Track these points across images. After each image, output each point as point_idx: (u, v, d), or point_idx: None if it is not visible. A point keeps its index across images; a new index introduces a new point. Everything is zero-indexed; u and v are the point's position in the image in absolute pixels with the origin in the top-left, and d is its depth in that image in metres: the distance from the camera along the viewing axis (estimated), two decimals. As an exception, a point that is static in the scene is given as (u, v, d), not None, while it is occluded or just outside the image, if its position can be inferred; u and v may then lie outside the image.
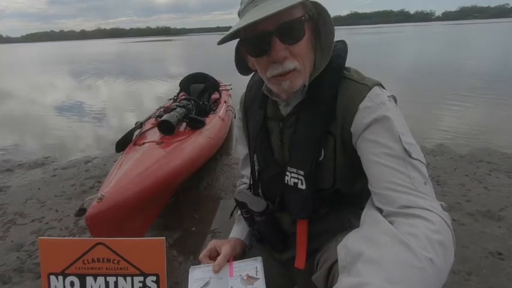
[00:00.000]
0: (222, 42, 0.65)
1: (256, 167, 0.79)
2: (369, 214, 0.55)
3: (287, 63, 0.62)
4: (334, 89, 0.65)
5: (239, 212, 0.84)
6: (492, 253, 1.40)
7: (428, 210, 0.49)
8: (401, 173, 0.54)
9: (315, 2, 0.63)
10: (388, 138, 0.57)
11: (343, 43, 0.71)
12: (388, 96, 0.63)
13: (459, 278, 1.26)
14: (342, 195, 0.71)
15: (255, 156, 0.79)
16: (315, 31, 0.66)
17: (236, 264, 0.73)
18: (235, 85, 3.78)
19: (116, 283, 0.81)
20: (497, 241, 1.48)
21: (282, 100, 0.72)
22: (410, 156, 0.55)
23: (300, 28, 0.61)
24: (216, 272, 0.70)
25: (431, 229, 0.46)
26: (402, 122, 0.60)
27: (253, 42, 0.63)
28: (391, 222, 0.50)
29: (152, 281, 0.80)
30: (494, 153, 2.55)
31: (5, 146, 3.42)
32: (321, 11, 0.64)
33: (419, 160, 0.55)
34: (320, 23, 0.66)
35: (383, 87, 0.66)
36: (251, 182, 0.84)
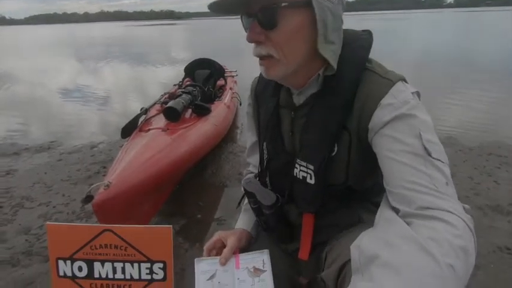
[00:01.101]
0: (213, 9, 0.62)
1: (265, 156, 0.77)
2: (384, 214, 0.53)
3: (259, 48, 0.60)
4: (354, 81, 0.61)
5: (246, 201, 0.83)
6: (500, 248, 1.39)
7: (450, 212, 0.46)
8: (421, 171, 0.50)
9: None
10: (407, 135, 0.54)
11: (368, 33, 0.66)
12: (412, 93, 0.59)
13: (466, 272, 1.25)
14: (353, 190, 0.68)
15: (264, 144, 0.77)
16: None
17: (243, 256, 0.72)
18: (241, 71, 3.72)
19: (123, 269, 0.82)
20: (506, 236, 1.46)
21: (295, 88, 0.69)
22: (429, 155, 0.51)
23: (272, 15, 0.56)
24: (223, 264, 0.70)
25: (453, 233, 0.43)
26: (425, 119, 0.56)
27: (242, 20, 0.62)
28: (408, 224, 0.47)
29: (159, 267, 0.81)
30: (504, 146, 2.50)
31: (11, 130, 3.43)
32: None
33: (440, 160, 0.52)
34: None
35: (406, 82, 0.62)
36: (259, 170, 0.82)
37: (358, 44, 0.63)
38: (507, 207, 1.69)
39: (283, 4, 0.56)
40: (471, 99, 3.94)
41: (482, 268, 1.28)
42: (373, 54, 0.65)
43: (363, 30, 0.68)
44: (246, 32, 0.62)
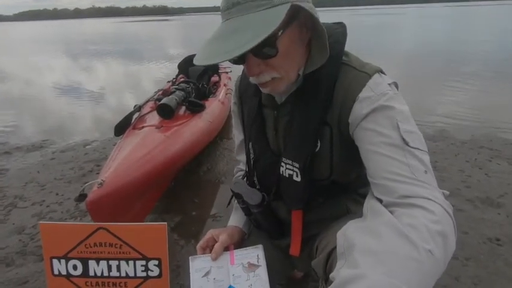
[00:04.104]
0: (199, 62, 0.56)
1: (252, 155, 0.78)
2: (370, 205, 0.54)
3: (263, 76, 0.60)
4: (332, 77, 0.62)
5: (236, 201, 0.83)
6: (490, 239, 1.41)
7: (429, 199, 0.48)
8: (401, 162, 0.52)
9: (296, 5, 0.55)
10: (386, 127, 0.55)
11: (342, 26, 0.66)
12: (389, 84, 0.60)
13: (457, 263, 1.28)
14: (339, 184, 0.70)
15: (250, 144, 0.78)
16: (305, 25, 0.60)
17: (237, 252, 0.73)
18: (234, 68, 3.70)
19: (118, 267, 0.83)
20: (496, 227, 1.49)
21: None
22: (407, 144, 0.53)
23: (272, 46, 0.56)
24: (214, 260, 0.71)
25: (431, 219, 0.45)
26: (403, 109, 0.57)
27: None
28: (391, 213, 0.49)
29: (154, 264, 0.81)
30: (496, 139, 2.54)
31: (1, 128, 3.38)
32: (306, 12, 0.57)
33: (418, 149, 0.53)
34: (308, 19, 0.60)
35: (383, 73, 0.62)
36: (246, 170, 0.83)
37: (333, 39, 0.63)
38: (497, 199, 1.72)
39: (280, 33, 0.55)
40: (464, 93, 3.98)
41: (472, 259, 1.30)
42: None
43: (336, 23, 0.68)
44: (231, 62, 0.59)
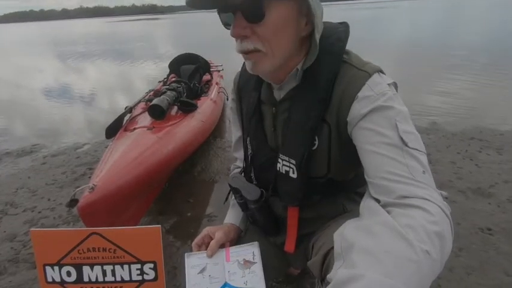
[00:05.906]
0: (191, 5, 0.60)
1: (249, 151, 0.78)
2: (367, 205, 0.54)
3: (245, 42, 0.59)
4: (332, 75, 0.62)
5: (233, 196, 0.83)
6: (482, 229, 1.44)
7: (426, 200, 0.48)
8: (399, 162, 0.52)
9: None
10: (385, 127, 0.55)
11: (345, 26, 0.67)
12: (388, 84, 0.60)
13: (450, 254, 1.29)
14: (336, 182, 0.70)
15: (248, 139, 0.78)
16: (306, 16, 0.60)
17: (233, 249, 0.73)
18: (226, 65, 3.67)
19: (113, 271, 0.82)
20: (487, 217, 1.52)
21: (275, 83, 0.69)
22: (406, 145, 0.53)
23: (258, 8, 0.55)
24: (210, 256, 0.71)
25: (429, 220, 0.45)
26: (401, 110, 0.57)
27: (220, 15, 0.60)
28: (388, 213, 0.49)
29: (150, 268, 0.81)
30: (485, 130, 2.58)
31: (-10, 134, 3.31)
32: None
33: (416, 149, 0.54)
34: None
35: (383, 73, 0.62)
36: (244, 166, 0.83)
37: (335, 37, 0.63)
38: (488, 189, 1.75)
39: None
40: (455, 86, 4.03)
41: (465, 249, 1.33)
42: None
43: (340, 23, 0.68)
44: (225, 27, 0.61)
